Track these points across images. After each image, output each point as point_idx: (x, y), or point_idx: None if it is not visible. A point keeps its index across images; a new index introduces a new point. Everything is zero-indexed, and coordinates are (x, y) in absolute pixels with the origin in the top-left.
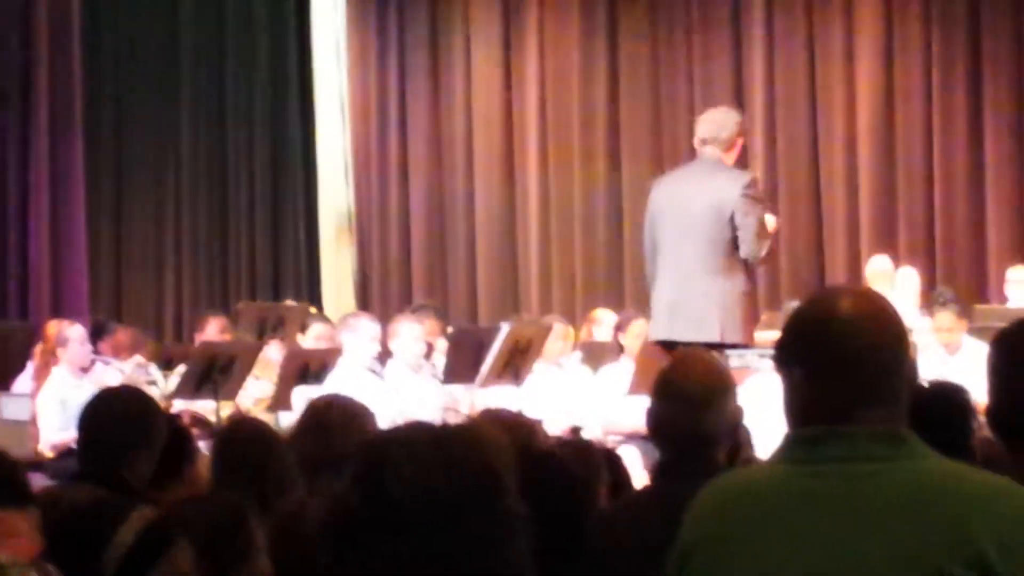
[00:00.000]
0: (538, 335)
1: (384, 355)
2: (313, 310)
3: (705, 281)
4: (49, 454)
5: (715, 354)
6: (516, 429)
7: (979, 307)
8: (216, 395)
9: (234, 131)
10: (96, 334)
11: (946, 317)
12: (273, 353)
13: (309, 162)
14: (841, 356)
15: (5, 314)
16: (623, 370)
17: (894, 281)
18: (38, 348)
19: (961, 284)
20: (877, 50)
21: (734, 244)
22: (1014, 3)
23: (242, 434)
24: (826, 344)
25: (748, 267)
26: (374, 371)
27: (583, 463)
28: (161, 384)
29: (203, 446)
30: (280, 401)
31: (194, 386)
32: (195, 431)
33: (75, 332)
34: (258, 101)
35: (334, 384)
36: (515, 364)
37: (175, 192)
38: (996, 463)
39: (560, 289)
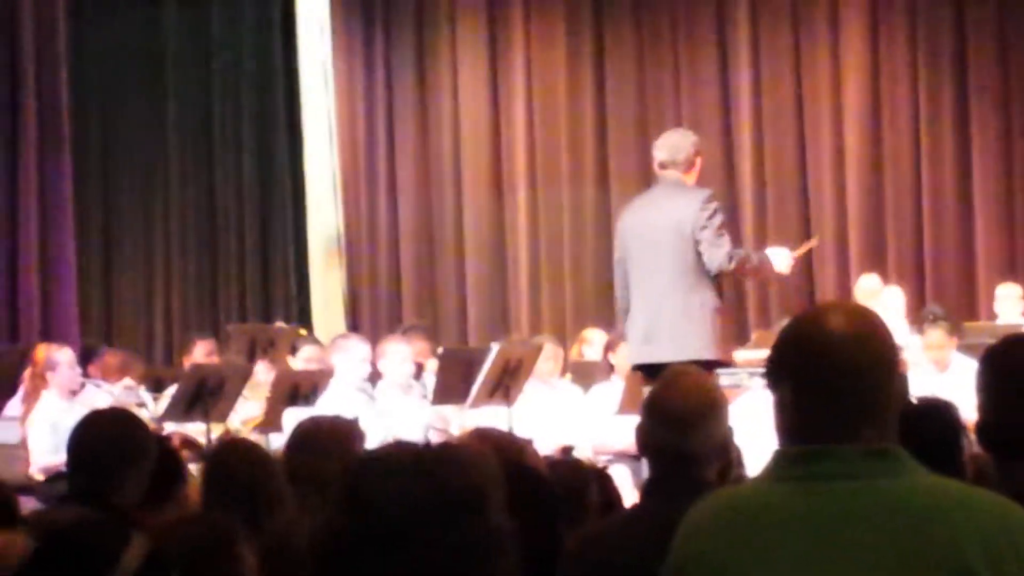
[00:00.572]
0: (528, 355)
1: (374, 376)
2: (303, 332)
3: (674, 301)
4: (39, 477)
5: (706, 373)
6: (506, 447)
7: (969, 324)
8: (206, 417)
9: (222, 154)
10: (86, 357)
11: (936, 334)
12: (263, 375)
13: (297, 184)
14: (830, 373)
15: None
16: (613, 389)
17: (882, 300)
18: (28, 372)
19: (950, 301)
20: (863, 67)
21: (699, 261)
22: (999, 20)
23: (232, 455)
24: (815, 361)
25: (717, 283)
26: (365, 392)
27: (573, 482)
28: (151, 407)
29: (193, 468)
30: (270, 422)
31: (184, 408)
32: (185, 453)
33: (64, 356)
34: (246, 123)
35: (325, 405)
36: (505, 384)
37: (164, 215)
38: (987, 479)
39: (550, 309)
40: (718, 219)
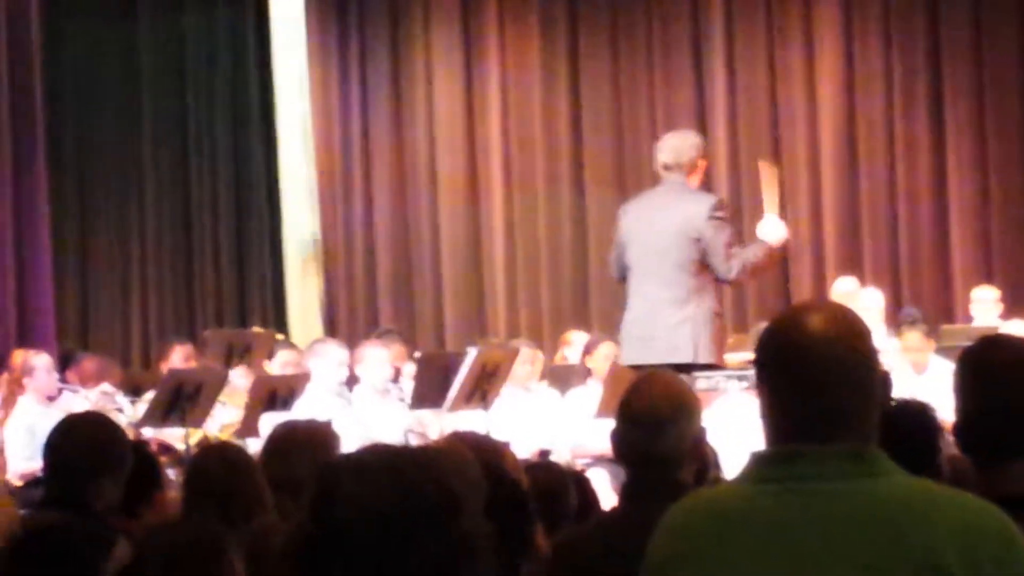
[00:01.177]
0: (506, 359)
1: (351, 380)
2: (280, 336)
3: (674, 305)
4: (16, 483)
5: (679, 376)
6: (484, 451)
7: (945, 327)
8: (183, 422)
9: (197, 159)
10: (63, 363)
11: (913, 337)
12: (240, 380)
13: (273, 190)
14: (806, 374)
15: None
16: (591, 393)
17: (859, 303)
18: (4, 377)
19: (927, 304)
20: (838, 69)
21: (702, 266)
22: (973, 23)
23: (212, 459)
24: (791, 362)
25: (717, 288)
26: (342, 396)
27: (551, 486)
28: (128, 412)
29: (171, 473)
30: (248, 428)
31: (161, 413)
32: (163, 458)
33: (41, 361)
34: (221, 129)
35: (302, 410)
36: (483, 388)
37: (139, 221)
38: (965, 481)
39: (527, 313)
40: (729, 229)
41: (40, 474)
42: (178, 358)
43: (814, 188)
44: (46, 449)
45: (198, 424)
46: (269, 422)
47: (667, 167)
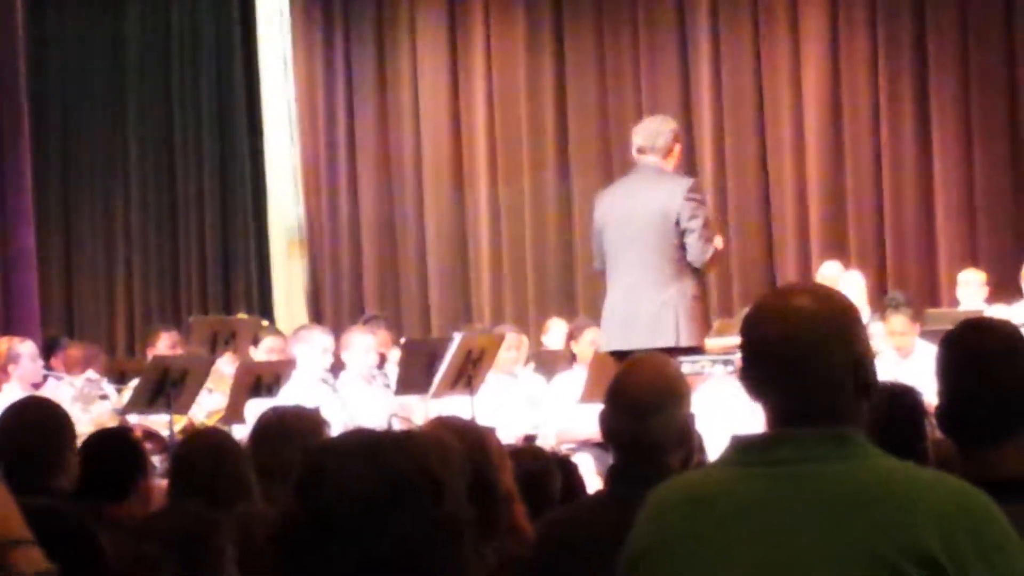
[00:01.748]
0: (491, 345)
1: (336, 367)
2: (265, 323)
3: (654, 288)
4: None
5: (670, 360)
6: (468, 435)
7: (931, 311)
8: (169, 409)
9: (183, 147)
10: (48, 350)
11: (899, 321)
12: (226, 366)
13: (258, 176)
14: (781, 358)
15: None
16: (576, 378)
17: (842, 286)
18: None
19: (912, 288)
20: (824, 56)
21: (681, 249)
22: (959, 9)
23: (198, 445)
24: (767, 346)
25: (697, 271)
26: (327, 383)
27: (536, 470)
28: (113, 399)
29: (156, 460)
30: (233, 414)
31: (147, 400)
32: (148, 445)
33: (26, 348)
34: (206, 116)
35: (287, 396)
36: (468, 374)
37: (124, 208)
38: (950, 465)
39: (512, 299)
40: (705, 211)
41: None
42: (163, 345)
43: (799, 173)
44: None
45: (183, 411)
46: (254, 408)
47: (641, 150)
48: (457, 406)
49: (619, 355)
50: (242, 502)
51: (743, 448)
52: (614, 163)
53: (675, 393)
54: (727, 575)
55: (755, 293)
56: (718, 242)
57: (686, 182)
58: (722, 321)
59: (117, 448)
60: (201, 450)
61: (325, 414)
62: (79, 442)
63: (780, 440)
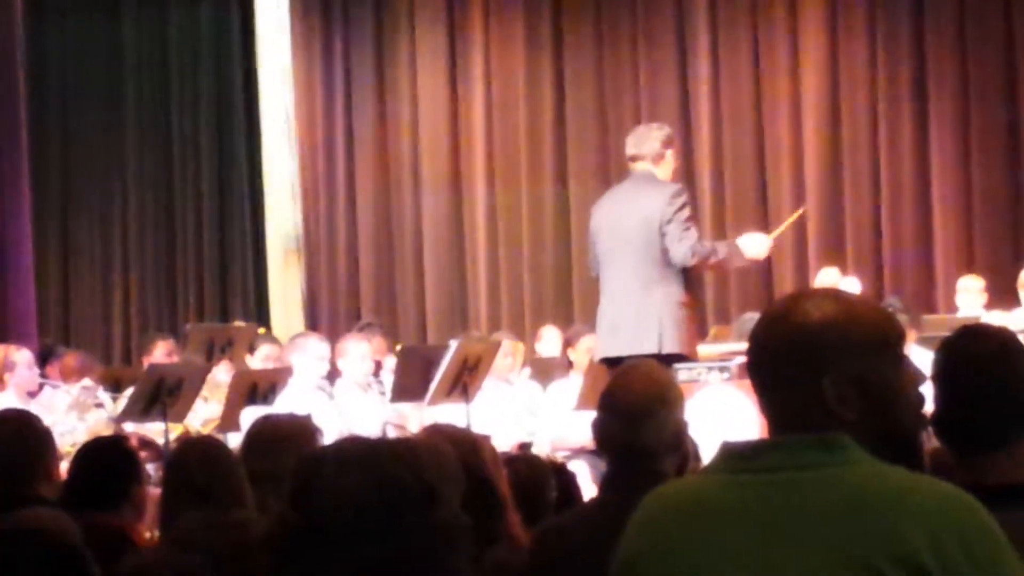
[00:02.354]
0: (487, 352)
1: (332, 374)
2: (262, 331)
3: (640, 294)
4: None
5: (662, 367)
6: (463, 443)
7: (927, 317)
8: (164, 417)
9: (180, 155)
10: (44, 358)
11: None
12: (222, 374)
13: (256, 184)
14: (775, 363)
15: None
16: (572, 385)
17: None
18: None
19: (909, 294)
20: (822, 61)
21: (667, 255)
22: (957, 17)
23: (192, 453)
24: (762, 351)
25: (687, 278)
26: (324, 390)
27: (531, 478)
28: (109, 407)
29: (151, 468)
30: (228, 422)
31: (142, 408)
32: (143, 453)
33: (22, 356)
34: (204, 124)
35: (283, 404)
36: (464, 381)
37: (122, 216)
38: (945, 473)
39: (509, 306)
40: (685, 213)
41: None
42: (160, 353)
43: (797, 179)
44: None
45: (179, 419)
46: (250, 416)
47: (633, 158)
48: (453, 413)
49: (610, 362)
50: (236, 509)
51: (732, 455)
52: (612, 170)
53: (667, 399)
54: None
55: (752, 300)
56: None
57: (669, 188)
58: (718, 327)
59: (111, 456)
60: (194, 458)
61: (320, 422)
62: (75, 450)
63: (769, 447)
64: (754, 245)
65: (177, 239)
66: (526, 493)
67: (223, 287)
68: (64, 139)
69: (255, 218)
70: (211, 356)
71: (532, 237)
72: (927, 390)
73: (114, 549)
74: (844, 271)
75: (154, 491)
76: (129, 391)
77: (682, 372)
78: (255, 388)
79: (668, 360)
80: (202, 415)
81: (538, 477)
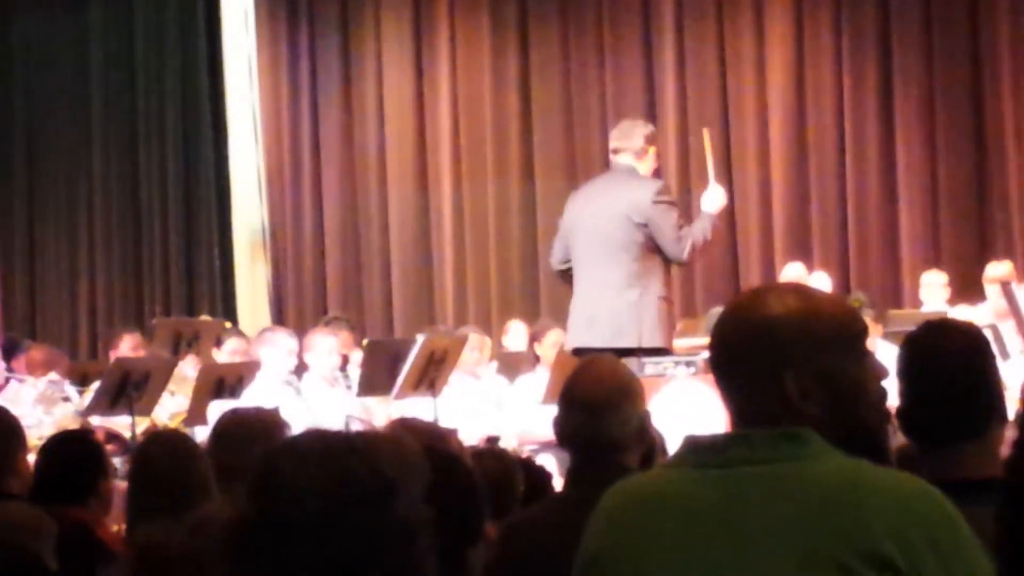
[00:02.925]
0: (453, 346)
1: (299, 368)
2: (228, 325)
3: (620, 289)
4: None
5: (622, 360)
6: (429, 437)
7: (893, 312)
8: (131, 411)
9: (146, 149)
10: (10, 351)
11: None
12: (189, 368)
13: (222, 178)
14: (737, 357)
15: None
16: (539, 379)
17: None
18: None
19: (875, 289)
20: (788, 57)
21: (647, 250)
22: (923, 15)
23: (157, 447)
24: (725, 345)
25: (666, 272)
26: (291, 385)
27: (498, 472)
28: (75, 401)
29: (118, 462)
30: (195, 416)
31: (108, 402)
32: (109, 447)
33: None
34: (170, 118)
35: (250, 398)
36: (431, 375)
37: (88, 210)
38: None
39: (475, 300)
40: (675, 213)
41: None
42: (126, 347)
43: (763, 174)
44: None
45: (145, 412)
46: (216, 410)
47: (616, 150)
48: (420, 407)
49: (582, 353)
50: (201, 503)
51: (696, 449)
52: (578, 165)
53: (628, 392)
54: None
55: (719, 294)
56: (719, 196)
57: (654, 185)
58: (685, 322)
59: (77, 450)
60: (159, 452)
61: (287, 416)
62: (41, 444)
63: (733, 440)
64: (712, 198)
65: (143, 233)
66: (493, 487)
67: (190, 281)
68: (30, 135)
69: (221, 212)
70: (178, 350)
71: (498, 232)
72: (891, 385)
73: (80, 543)
74: (810, 266)
75: (120, 485)
76: (96, 385)
77: (649, 366)
78: (222, 382)
79: (644, 354)
80: (169, 409)
81: (505, 471)
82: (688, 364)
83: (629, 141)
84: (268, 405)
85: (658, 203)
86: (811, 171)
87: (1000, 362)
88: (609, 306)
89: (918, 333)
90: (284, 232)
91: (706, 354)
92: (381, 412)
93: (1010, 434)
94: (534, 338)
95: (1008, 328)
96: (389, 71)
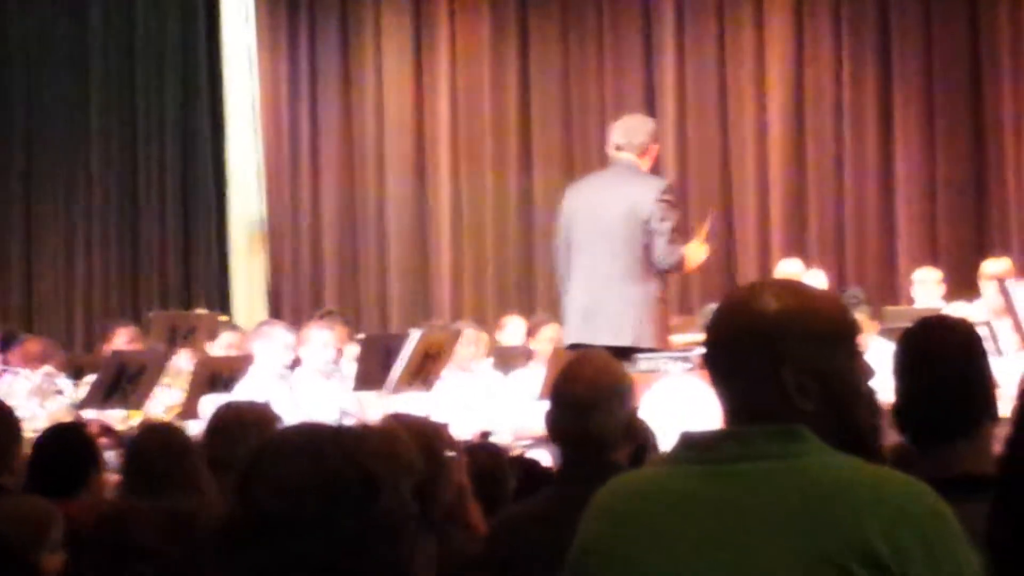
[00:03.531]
0: (448, 341)
1: (295, 362)
2: (223, 318)
3: (620, 286)
4: None
5: (612, 357)
6: (421, 432)
7: (889, 308)
8: (125, 404)
9: (145, 141)
10: (5, 344)
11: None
12: (183, 362)
13: (220, 171)
14: (732, 354)
15: None
16: (534, 374)
17: None
18: None
19: (871, 286)
20: (787, 53)
21: (648, 249)
22: (922, 10)
23: (150, 440)
24: (720, 341)
25: (663, 272)
26: (285, 379)
27: (491, 467)
28: (70, 394)
29: (112, 455)
30: (189, 409)
31: (103, 395)
32: (103, 440)
33: None
34: (169, 109)
35: (243, 392)
36: (426, 370)
37: (85, 202)
38: (905, 464)
39: (472, 295)
40: (674, 216)
41: None
42: (121, 340)
43: (761, 171)
44: None
45: (139, 406)
46: (210, 404)
47: (619, 147)
48: (414, 402)
49: (578, 349)
50: (193, 496)
51: (691, 445)
52: (576, 160)
53: (615, 389)
54: (671, 574)
55: (715, 291)
56: (700, 253)
57: (659, 183)
58: (680, 318)
59: (70, 443)
60: (152, 445)
61: (280, 410)
62: (35, 436)
63: (727, 437)
64: (695, 253)
65: (141, 226)
66: (486, 482)
67: (186, 274)
68: (27, 124)
69: (219, 205)
70: (173, 343)
71: (496, 226)
72: (886, 382)
73: (72, 536)
74: (807, 262)
75: (113, 478)
76: (90, 378)
77: (643, 362)
78: (216, 376)
79: (639, 351)
80: (163, 402)
81: (498, 466)
82: (683, 360)
83: (633, 138)
84: (260, 399)
85: (661, 201)
86: (808, 168)
87: (995, 359)
88: (609, 304)
89: (914, 330)
90: (281, 225)
91: (701, 350)
92: (376, 407)
93: (1004, 431)
94: (529, 333)
95: (1004, 325)
96: (388, 65)
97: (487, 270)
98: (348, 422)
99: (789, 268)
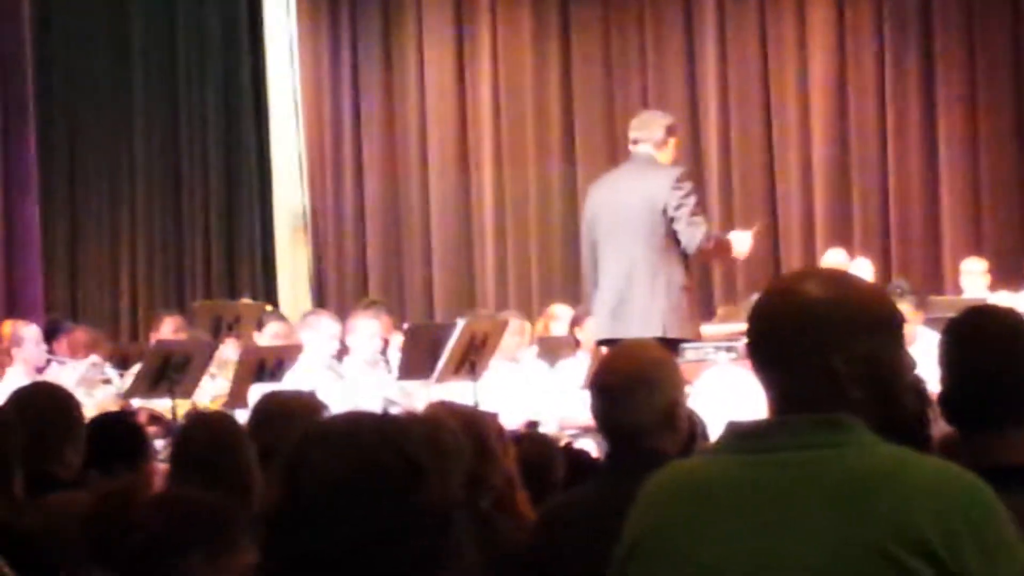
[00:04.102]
0: (494, 330)
1: (340, 351)
2: (269, 308)
3: (644, 278)
4: None
5: (657, 345)
6: (468, 420)
7: (934, 298)
8: (172, 393)
9: (188, 132)
10: (51, 334)
11: (902, 308)
12: (229, 352)
13: (263, 161)
14: (778, 343)
15: None
16: (579, 364)
17: None
18: None
19: (916, 276)
20: (829, 42)
21: (669, 239)
22: None
23: (200, 429)
24: (765, 330)
25: (686, 261)
26: (333, 369)
27: (538, 457)
28: (116, 383)
29: (160, 444)
30: (236, 399)
31: (149, 385)
32: (152, 429)
33: (30, 332)
34: (212, 100)
35: (291, 381)
36: (471, 359)
37: (130, 192)
38: (952, 454)
39: (516, 284)
40: (693, 199)
41: None
42: (167, 329)
43: (804, 160)
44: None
45: (186, 396)
46: (257, 393)
47: (635, 141)
48: (460, 392)
49: (610, 344)
50: (243, 486)
51: (739, 435)
52: (619, 151)
53: (650, 378)
54: (721, 564)
55: (759, 281)
56: (746, 241)
57: (673, 172)
58: (726, 307)
59: (119, 431)
60: (202, 433)
61: (327, 400)
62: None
63: (775, 427)
64: (740, 242)
65: (185, 217)
66: (533, 471)
67: (231, 264)
68: (72, 117)
69: (263, 196)
70: (218, 333)
71: (539, 217)
72: (932, 372)
73: None
74: (851, 252)
75: (162, 467)
76: (136, 368)
77: (690, 352)
78: (263, 365)
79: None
80: (209, 392)
81: (545, 455)
82: (728, 349)
83: (649, 131)
84: (307, 388)
85: (677, 188)
86: (853, 157)
87: None
88: (635, 297)
89: (959, 319)
90: (325, 215)
91: (745, 340)
92: (421, 396)
93: None
94: (574, 323)
95: None
96: (431, 54)
97: (530, 261)
98: (394, 411)
99: (834, 258)
